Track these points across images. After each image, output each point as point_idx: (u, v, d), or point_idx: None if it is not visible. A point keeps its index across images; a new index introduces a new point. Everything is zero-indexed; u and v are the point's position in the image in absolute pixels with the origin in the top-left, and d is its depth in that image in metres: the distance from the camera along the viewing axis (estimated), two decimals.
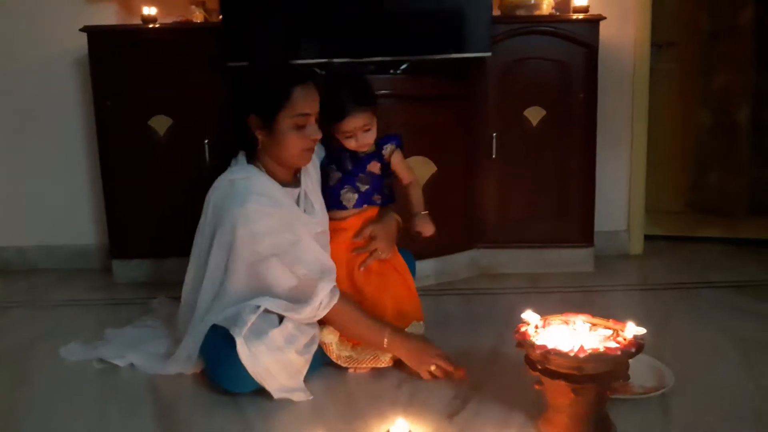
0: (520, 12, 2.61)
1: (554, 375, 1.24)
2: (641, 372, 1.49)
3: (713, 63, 3.22)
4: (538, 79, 2.57)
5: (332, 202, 1.79)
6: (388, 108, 2.10)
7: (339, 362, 1.66)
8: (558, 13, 2.64)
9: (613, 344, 1.25)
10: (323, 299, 1.57)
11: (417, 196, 1.85)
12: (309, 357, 1.58)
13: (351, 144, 1.73)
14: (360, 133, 1.71)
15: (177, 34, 2.56)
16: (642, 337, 1.27)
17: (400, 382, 1.60)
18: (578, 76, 2.56)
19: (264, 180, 1.62)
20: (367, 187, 1.78)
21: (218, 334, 1.55)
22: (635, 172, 2.91)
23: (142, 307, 2.23)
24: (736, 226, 3.16)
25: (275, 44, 2.39)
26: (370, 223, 1.78)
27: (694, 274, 2.60)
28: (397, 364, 1.67)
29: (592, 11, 2.60)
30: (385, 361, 1.65)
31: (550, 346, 1.24)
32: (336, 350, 1.66)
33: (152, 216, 2.61)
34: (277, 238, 1.57)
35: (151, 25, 2.57)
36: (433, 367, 1.58)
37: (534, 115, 2.58)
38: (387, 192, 1.84)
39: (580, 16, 2.56)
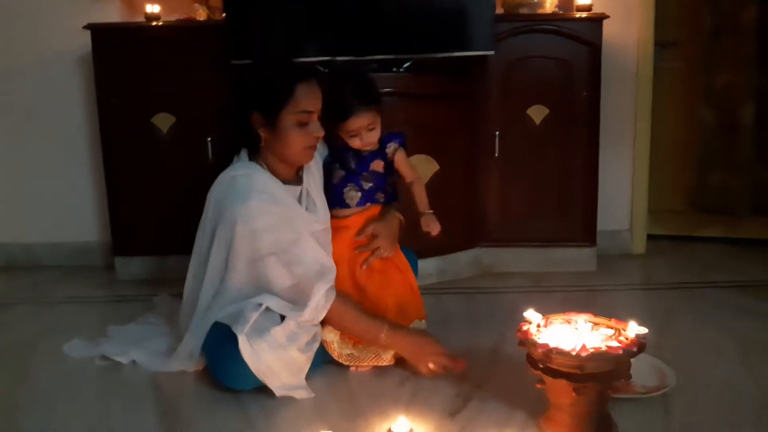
0: (523, 10, 2.60)
1: (556, 374, 1.24)
2: (643, 371, 1.49)
3: (716, 62, 3.22)
4: (541, 77, 2.57)
5: (335, 200, 1.79)
6: (391, 106, 2.10)
7: (340, 360, 1.67)
8: (561, 12, 2.64)
9: (615, 343, 1.25)
10: (319, 301, 1.57)
11: (422, 196, 1.85)
12: (311, 355, 1.58)
13: (355, 143, 1.73)
14: (364, 132, 1.72)
15: (180, 32, 2.56)
16: (644, 336, 1.27)
17: (402, 380, 1.60)
18: (581, 74, 2.56)
19: (265, 177, 1.62)
20: (370, 185, 1.78)
21: (220, 331, 1.55)
22: (638, 172, 2.91)
23: (145, 304, 2.23)
24: (739, 226, 3.15)
25: (278, 42, 2.39)
26: (372, 222, 1.78)
27: (696, 274, 2.59)
28: (399, 362, 1.67)
29: (596, 10, 2.60)
30: (386, 359, 1.65)
31: (552, 344, 1.24)
32: (337, 348, 1.66)
33: (155, 213, 2.61)
34: (277, 236, 1.57)
35: (154, 23, 2.58)
36: (431, 364, 1.58)
37: (537, 113, 2.58)
38: (390, 190, 1.84)
39: (584, 14, 2.56)
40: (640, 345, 1.25)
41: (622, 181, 2.92)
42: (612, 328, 1.33)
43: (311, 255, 1.61)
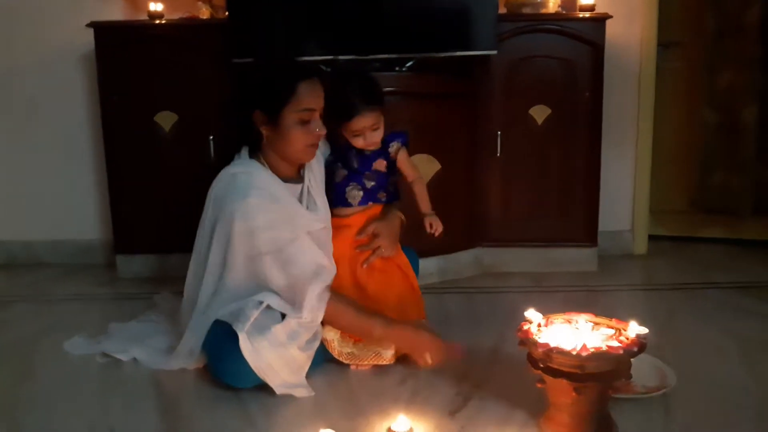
0: (527, 10, 2.60)
1: (556, 373, 1.24)
2: (643, 371, 1.49)
3: (719, 62, 3.22)
4: (543, 77, 2.56)
5: (337, 199, 1.79)
6: (393, 105, 2.10)
7: (341, 359, 1.67)
8: (564, 12, 2.63)
9: (615, 343, 1.25)
10: (313, 303, 1.57)
11: (424, 196, 1.85)
12: (311, 353, 1.58)
13: (359, 142, 1.74)
14: (368, 132, 1.72)
15: (183, 31, 2.56)
16: (644, 336, 1.27)
17: (402, 379, 1.60)
18: (584, 74, 2.56)
19: (265, 175, 1.63)
20: (372, 184, 1.78)
21: (221, 329, 1.55)
22: (640, 172, 2.91)
23: (146, 302, 2.23)
24: (741, 227, 3.15)
25: (281, 41, 2.39)
26: (373, 221, 1.79)
27: (697, 275, 2.59)
28: (399, 360, 1.67)
29: (599, 10, 2.60)
30: (387, 358, 1.65)
31: (552, 344, 1.24)
32: (338, 347, 1.66)
33: (157, 211, 2.61)
34: (275, 235, 1.57)
35: (157, 21, 2.58)
36: (428, 357, 1.58)
37: (539, 113, 2.58)
38: (392, 189, 1.85)
39: (587, 14, 2.56)
40: (640, 345, 1.25)
41: (624, 182, 2.91)
42: (613, 328, 1.33)
43: (308, 255, 1.61)
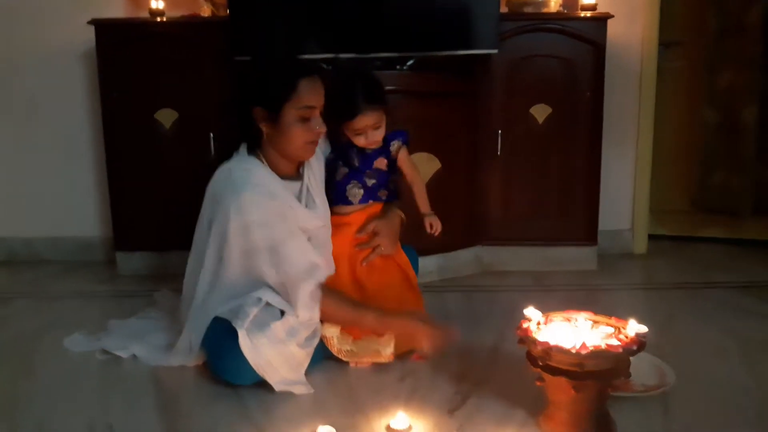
0: (528, 9, 2.60)
1: (555, 371, 1.24)
2: (643, 370, 1.49)
3: (720, 62, 3.22)
4: (544, 76, 2.56)
5: (338, 196, 1.79)
6: (394, 104, 2.09)
7: (340, 356, 1.67)
8: (566, 11, 2.64)
9: (614, 342, 1.25)
10: (306, 301, 1.58)
11: (423, 196, 1.86)
12: (310, 350, 1.59)
13: (360, 141, 1.74)
14: (370, 131, 1.72)
15: (184, 28, 2.56)
16: (644, 335, 1.27)
17: (401, 377, 1.60)
18: (585, 74, 2.56)
19: (263, 172, 1.63)
20: (373, 182, 1.78)
21: (221, 326, 1.55)
22: (640, 171, 2.91)
23: (146, 299, 2.24)
24: (741, 227, 3.15)
25: (282, 39, 2.39)
26: (373, 219, 1.79)
27: (697, 274, 2.59)
28: (399, 358, 1.67)
29: (600, 9, 2.60)
30: (386, 355, 1.65)
31: (552, 342, 1.24)
32: (337, 344, 1.66)
33: (156, 209, 2.61)
34: (270, 231, 1.58)
35: (158, 19, 2.58)
36: (424, 345, 1.58)
37: (540, 112, 2.58)
38: (392, 188, 1.85)
39: (588, 13, 2.56)
40: (639, 343, 1.25)
41: (624, 181, 2.91)
42: (612, 326, 1.33)
43: (302, 254, 1.61)
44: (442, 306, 2.18)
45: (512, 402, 1.43)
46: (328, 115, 1.66)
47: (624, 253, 2.92)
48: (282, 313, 1.58)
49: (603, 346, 1.23)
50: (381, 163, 1.79)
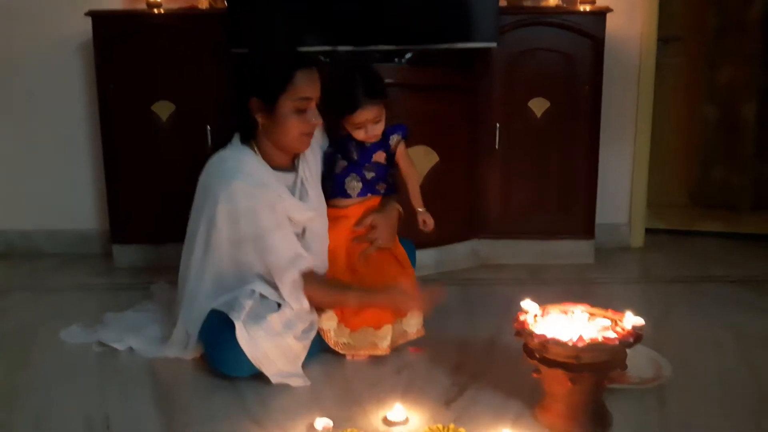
0: (527, 3, 2.61)
1: (552, 364, 1.25)
2: (639, 363, 1.50)
3: (719, 58, 3.22)
4: (543, 70, 2.56)
5: (336, 189, 1.79)
6: (392, 97, 2.09)
7: (337, 349, 1.67)
8: (565, 5, 2.63)
9: (611, 334, 1.25)
10: (290, 291, 1.59)
11: (417, 192, 1.87)
12: (307, 343, 1.59)
13: (360, 135, 1.74)
14: (370, 125, 1.72)
15: (182, 20, 2.55)
16: (640, 327, 1.27)
17: (398, 369, 1.61)
18: (584, 68, 2.56)
19: (254, 161, 1.63)
20: (372, 175, 1.78)
21: (217, 318, 1.55)
22: (638, 165, 2.91)
23: (143, 291, 2.23)
24: (738, 221, 3.16)
25: (280, 31, 2.38)
26: (371, 212, 1.79)
27: (694, 268, 2.59)
28: (396, 350, 1.68)
29: (599, 3, 2.59)
30: (383, 348, 1.66)
31: (548, 335, 1.25)
32: (334, 337, 1.67)
33: (153, 201, 2.61)
34: (256, 221, 1.58)
35: (156, 11, 2.56)
36: (414, 312, 1.61)
37: (538, 106, 2.58)
38: (391, 181, 1.85)
39: (587, 7, 2.55)
40: (636, 336, 1.25)
41: (622, 175, 2.92)
42: (609, 318, 1.33)
43: (286, 244, 1.61)
44: None
45: (509, 394, 1.43)
46: (327, 109, 1.66)
47: (621, 247, 2.92)
48: (279, 305, 1.58)
49: (599, 338, 1.23)
50: (380, 156, 1.79)
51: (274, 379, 1.50)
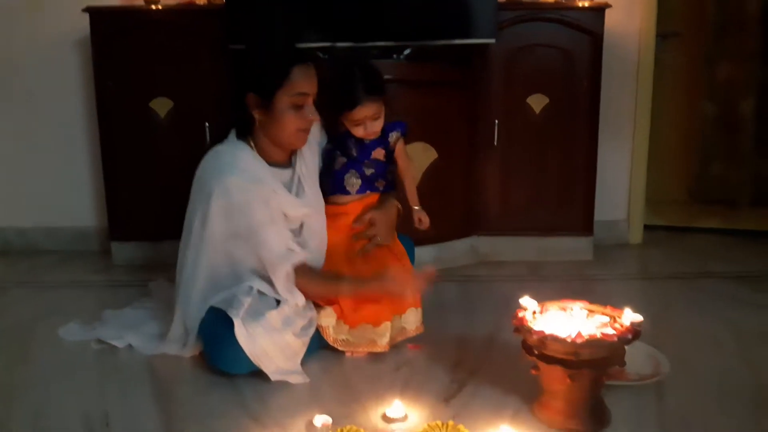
0: None
1: (551, 360, 1.25)
2: (637, 359, 1.50)
3: (718, 54, 3.21)
4: (542, 66, 2.56)
5: (336, 186, 1.79)
6: (391, 93, 2.09)
7: (336, 346, 1.67)
8: (564, 1, 2.62)
9: (609, 331, 1.25)
10: (284, 285, 1.59)
11: (413, 190, 1.87)
12: (306, 340, 1.59)
13: (359, 132, 1.74)
14: (369, 121, 1.72)
15: (180, 16, 2.54)
16: (639, 324, 1.28)
17: (397, 366, 1.61)
18: (582, 64, 2.55)
19: (249, 156, 1.63)
20: (372, 171, 1.78)
21: (216, 315, 1.56)
22: (637, 162, 2.91)
23: (141, 289, 2.23)
24: (737, 217, 3.16)
25: (278, 27, 2.37)
26: (370, 209, 1.79)
27: (693, 265, 2.60)
28: (395, 347, 1.68)
29: None
30: (381, 345, 1.66)
31: (547, 331, 1.25)
32: (333, 334, 1.66)
33: (152, 198, 2.61)
34: (250, 216, 1.58)
35: (153, 7, 2.55)
36: (408, 293, 1.61)
37: (537, 102, 2.57)
38: (390, 178, 1.84)
39: (586, 3, 2.55)
40: (634, 332, 1.25)
41: (621, 172, 2.91)
42: (607, 315, 1.33)
43: (279, 239, 1.62)
44: (438, 296, 2.17)
45: (507, 390, 1.44)
46: (326, 106, 1.66)
47: (620, 244, 2.92)
48: (278, 302, 1.58)
49: (598, 335, 1.23)
50: (379, 153, 1.78)
51: (273, 377, 1.50)
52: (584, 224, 2.65)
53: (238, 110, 1.63)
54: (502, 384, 1.47)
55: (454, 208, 2.53)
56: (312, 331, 1.62)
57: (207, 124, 2.52)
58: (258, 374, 1.51)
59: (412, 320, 1.73)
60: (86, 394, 1.49)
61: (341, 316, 1.67)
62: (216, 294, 1.62)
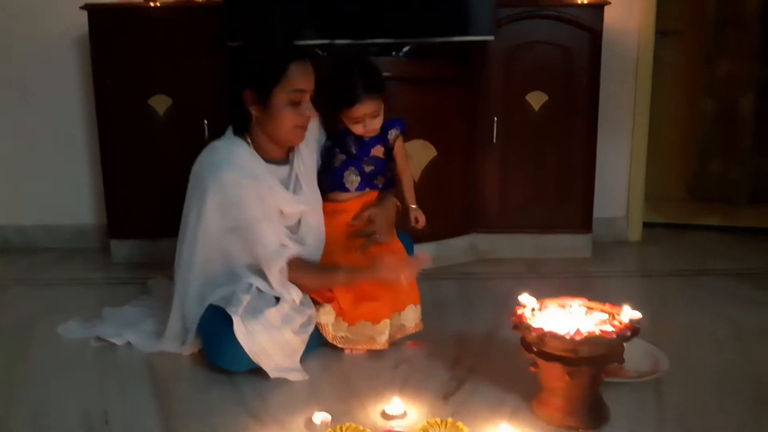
0: None
1: (549, 357, 1.25)
2: (636, 356, 1.50)
3: (718, 52, 3.21)
4: (541, 63, 2.55)
5: (335, 183, 1.79)
6: (390, 91, 2.09)
7: (335, 343, 1.67)
8: None
9: (608, 328, 1.25)
10: (278, 279, 1.60)
11: (411, 189, 1.87)
12: (305, 337, 1.59)
13: (358, 129, 1.74)
14: (368, 119, 1.72)
15: (178, 13, 2.54)
16: (638, 321, 1.28)
17: (396, 363, 1.61)
18: (581, 61, 2.55)
19: (246, 153, 1.63)
20: (371, 168, 1.78)
21: (215, 313, 1.55)
22: (636, 159, 2.90)
23: (140, 286, 2.24)
24: (736, 214, 3.16)
25: (277, 24, 2.37)
26: (369, 207, 1.78)
27: (692, 262, 2.60)
28: (394, 344, 1.68)
29: None
30: (381, 342, 1.66)
31: (546, 328, 1.25)
32: (332, 331, 1.67)
33: (150, 196, 2.60)
34: (245, 211, 1.58)
35: (152, 4, 2.55)
36: (403, 279, 1.60)
37: (536, 100, 2.57)
38: (389, 175, 1.84)
39: (585, 0, 2.54)
40: (633, 329, 1.25)
41: (620, 169, 2.91)
42: (606, 312, 1.33)
43: (273, 236, 1.61)
44: (437, 293, 2.18)
45: (506, 388, 1.44)
46: (325, 103, 1.65)
47: (619, 241, 2.92)
48: (277, 300, 1.58)
49: (597, 332, 1.23)
50: (378, 150, 1.78)
51: (272, 374, 1.50)
52: (583, 221, 2.65)
53: (235, 107, 1.63)
54: (501, 381, 1.47)
55: (453, 206, 2.53)
56: (311, 328, 1.62)
57: (206, 121, 2.51)
58: (257, 372, 1.51)
59: (411, 317, 1.73)
60: (85, 391, 1.49)
61: (340, 314, 1.67)
62: (213, 290, 1.62)
